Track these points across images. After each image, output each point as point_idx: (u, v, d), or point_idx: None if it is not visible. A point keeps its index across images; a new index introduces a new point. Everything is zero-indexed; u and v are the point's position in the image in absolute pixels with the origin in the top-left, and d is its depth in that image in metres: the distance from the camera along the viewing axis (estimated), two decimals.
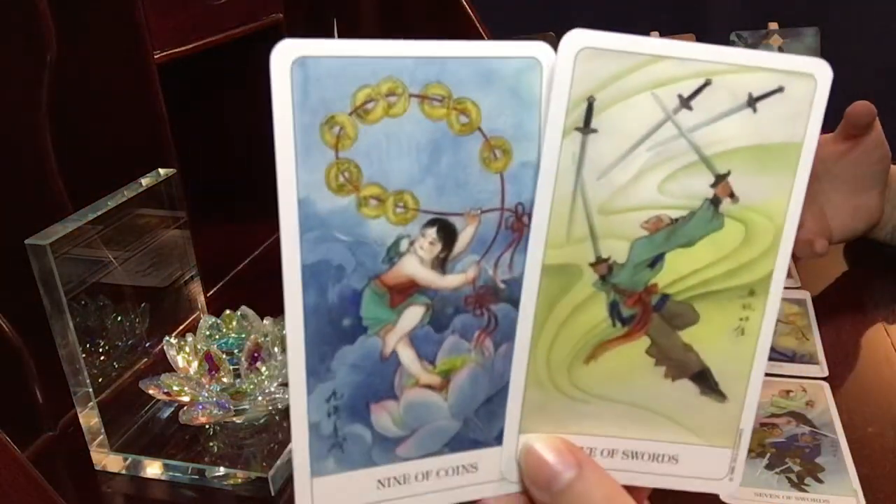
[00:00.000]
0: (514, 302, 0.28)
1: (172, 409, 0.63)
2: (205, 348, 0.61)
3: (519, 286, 0.27)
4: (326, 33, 1.15)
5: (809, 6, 1.35)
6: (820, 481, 0.54)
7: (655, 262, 0.28)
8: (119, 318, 0.62)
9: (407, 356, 0.27)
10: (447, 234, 0.27)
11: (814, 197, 0.78)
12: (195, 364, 0.61)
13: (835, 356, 0.68)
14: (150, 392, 0.61)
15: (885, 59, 1.37)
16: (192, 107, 0.98)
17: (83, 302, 0.57)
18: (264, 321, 0.66)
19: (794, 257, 0.79)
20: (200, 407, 0.60)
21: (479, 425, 0.28)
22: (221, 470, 0.57)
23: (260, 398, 0.61)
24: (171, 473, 0.58)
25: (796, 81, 0.27)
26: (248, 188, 1.03)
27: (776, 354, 0.68)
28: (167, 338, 0.63)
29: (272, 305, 0.68)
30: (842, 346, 0.70)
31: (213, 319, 0.65)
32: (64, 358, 0.55)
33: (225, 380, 0.60)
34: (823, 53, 0.97)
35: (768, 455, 0.57)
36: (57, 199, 0.64)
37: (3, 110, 0.64)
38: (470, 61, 0.25)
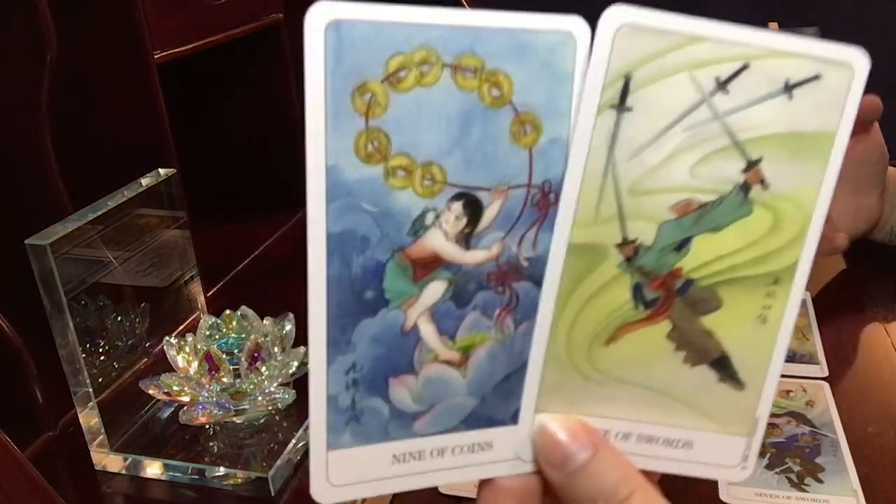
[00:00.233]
0: (537, 280, 0.27)
1: (172, 409, 0.63)
2: (205, 348, 0.61)
3: (542, 265, 0.27)
4: None
5: (809, 6, 1.35)
6: (820, 481, 0.54)
7: (682, 245, 0.28)
8: (119, 318, 0.62)
9: (427, 331, 0.27)
10: (473, 208, 0.26)
11: None
12: (195, 364, 0.61)
13: (835, 356, 0.68)
14: (150, 392, 0.61)
15: (885, 59, 1.36)
16: (192, 107, 0.98)
17: (83, 302, 0.57)
18: (264, 321, 0.66)
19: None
20: (200, 407, 0.60)
21: (495, 403, 0.28)
22: (221, 470, 0.57)
23: (260, 398, 0.61)
24: (171, 473, 0.58)
25: (833, 70, 0.26)
26: (248, 188, 1.03)
27: None
28: (167, 338, 0.63)
29: (272, 305, 0.69)
30: (842, 346, 0.70)
31: (213, 319, 0.65)
32: (64, 358, 0.55)
33: (225, 380, 0.60)
34: None
35: (768, 455, 0.57)
36: (57, 199, 0.64)
37: (3, 110, 0.64)
38: (504, 32, 0.25)
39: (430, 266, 0.26)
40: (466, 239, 0.27)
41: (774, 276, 0.28)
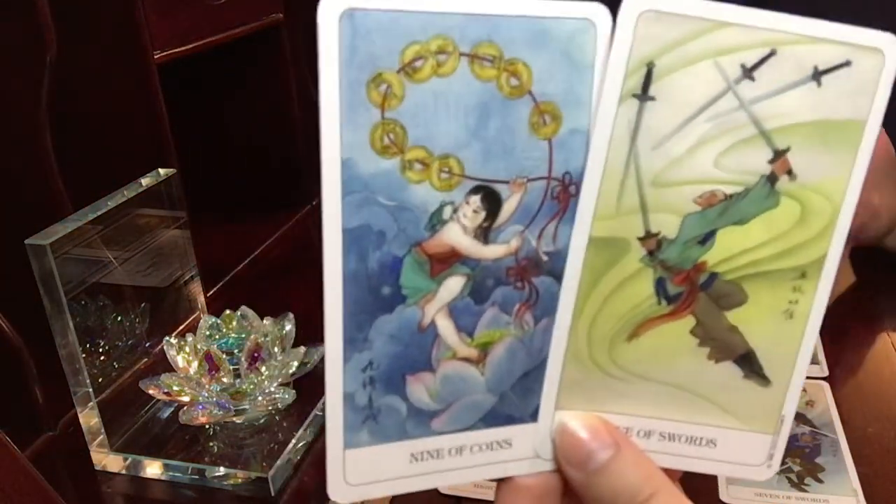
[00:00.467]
0: (557, 275, 0.27)
1: (172, 409, 0.63)
2: (205, 348, 0.61)
3: (562, 259, 0.26)
4: None
5: (809, 6, 1.35)
6: (820, 481, 0.54)
7: (706, 239, 0.27)
8: (119, 318, 0.62)
9: (445, 328, 0.26)
10: (492, 202, 0.26)
11: None
12: (195, 364, 0.61)
13: (835, 356, 0.68)
14: (150, 392, 0.61)
15: None
16: (192, 107, 0.98)
17: (83, 302, 0.57)
18: (264, 321, 0.66)
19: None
20: (200, 407, 0.60)
21: (514, 401, 0.28)
22: (221, 470, 0.57)
23: (260, 398, 0.61)
24: (171, 473, 0.58)
25: (864, 56, 0.26)
26: (248, 188, 1.03)
27: None
28: (167, 338, 0.63)
29: (272, 305, 0.69)
30: (842, 346, 0.70)
31: (213, 319, 0.65)
32: (64, 358, 0.55)
33: (225, 380, 0.60)
34: None
35: None
36: (57, 199, 0.64)
37: (4, 110, 0.64)
38: (522, 20, 0.24)
39: (447, 261, 0.26)
40: (485, 233, 0.26)
41: (801, 270, 0.27)
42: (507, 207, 0.26)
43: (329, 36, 0.23)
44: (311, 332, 0.67)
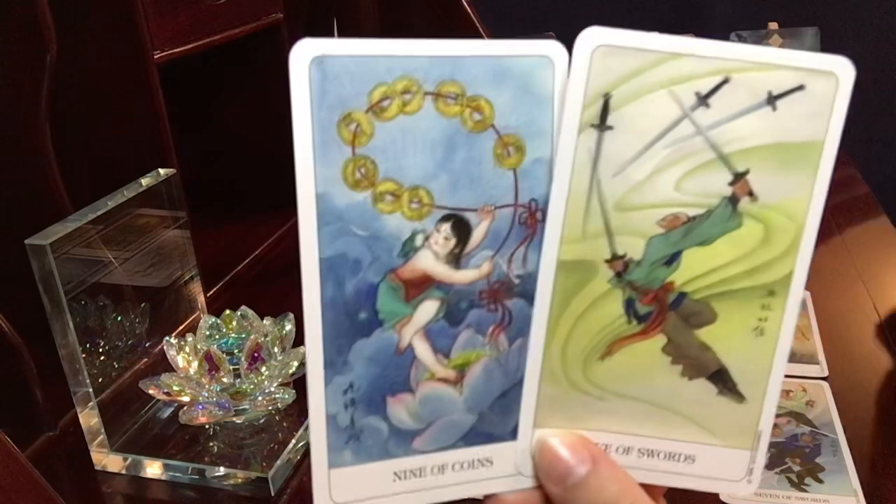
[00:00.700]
0: (529, 297, 0.28)
1: (172, 409, 0.63)
2: (205, 348, 0.61)
3: (533, 281, 0.28)
4: (327, 33, 1.16)
5: (809, 6, 1.35)
6: (820, 481, 0.54)
7: (672, 259, 0.28)
8: (119, 318, 0.62)
9: (422, 350, 0.27)
10: (461, 229, 0.27)
11: None
12: (195, 364, 0.61)
13: (835, 356, 0.68)
14: (150, 392, 0.61)
15: (885, 59, 1.37)
16: (192, 107, 0.98)
17: (83, 302, 0.57)
18: (264, 321, 0.66)
19: None
20: (200, 407, 0.60)
21: (494, 420, 0.28)
22: (221, 470, 0.57)
23: (260, 398, 0.61)
24: (171, 473, 0.58)
25: (818, 79, 0.26)
26: (248, 188, 1.03)
27: None
28: (167, 338, 0.63)
29: (272, 305, 0.69)
30: (842, 346, 0.70)
31: (213, 319, 0.65)
32: (64, 358, 0.55)
33: (225, 380, 0.60)
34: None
35: (768, 455, 0.57)
36: (57, 199, 0.64)
37: (3, 110, 0.64)
38: (483, 60, 0.26)
39: (421, 286, 0.27)
40: (456, 259, 0.27)
41: (769, 289, 0.28)
42: (477, 234, 0.27)
43: (300, 80, 0.25)
44: None
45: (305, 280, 0.26)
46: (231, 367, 0.61)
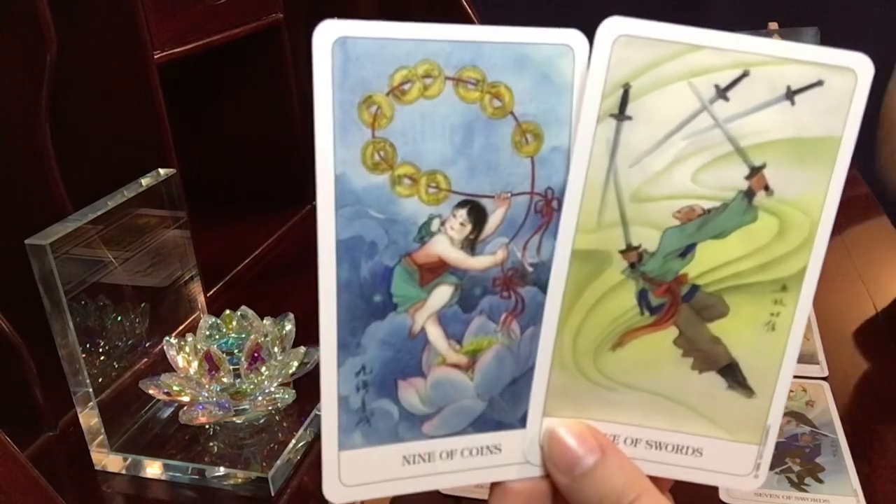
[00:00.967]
0: (542, 285, 0.28)
1: (172, 409, 0.63)
2: (205, 348, 0.61)
3: (547, 270, 0.28)
4: None
5: (809, 6, 1.35)
6: (820, 481, 0.54)
7: (686, 252, 0.28)
8: (119, 318, 0.62)
9: (435, 334, 0.28)
10: (477, 215, 0.27)
11: None
12: (195, 364, 0.61)
13: (835, 356, 0.68)
14: (150, 392, 0.61)
15: (885, 59, 1.36)
16: (193, 107, 0.98)
17: (83, 302, 0.57)
18: (264, 321, 0.66)
19: None
20: (200, 407, 0.60)
21: (504, 407, 0.29)
22: (221, 470, 0.57)
23: (260, 398, 0.61)
24: (171, 473, 0.58)
25: (836, 75, 0.27)
26: (248, 188, 1.03)
27: None
28: (167, 338, 0.63)
29: (272, 305, 0.69)
30: (842, 346, 0.70)
31: (213, 319, 0.65)
32: (64, 358, 0.55)
33: (225, 380, 0.60)
34: None
35: None
36: (57, 199, 0.64)
37: (3, 110, 0.64)
38: (504, 46, 0.26)
39: (436, 271, 0.27)
40: (472, 245, 0.27)
41: (782, 283, 0.28)
42: (493, 220, 0.27)
43: (323, 61, 0.25)
44: (311, 332, 0.67)
45: (322, 261, 0.26)
46: (231, 367, 0.61)
